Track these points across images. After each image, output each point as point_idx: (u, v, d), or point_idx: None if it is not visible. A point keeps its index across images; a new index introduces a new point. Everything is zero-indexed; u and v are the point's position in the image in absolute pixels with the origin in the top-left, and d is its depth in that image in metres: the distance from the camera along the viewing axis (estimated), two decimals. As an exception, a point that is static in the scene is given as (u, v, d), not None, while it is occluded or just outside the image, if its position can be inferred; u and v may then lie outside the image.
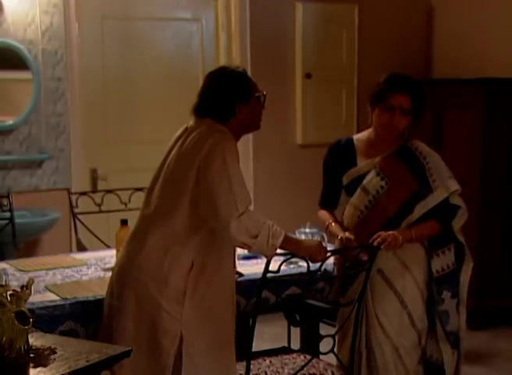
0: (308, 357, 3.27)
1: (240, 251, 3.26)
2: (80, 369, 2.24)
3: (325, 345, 3.12)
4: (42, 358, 2.30)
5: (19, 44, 4.88)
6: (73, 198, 4.49)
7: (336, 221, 3.40)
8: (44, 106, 5.02)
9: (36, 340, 2.42)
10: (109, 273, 3.15)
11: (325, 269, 3.15)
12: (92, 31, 5.22)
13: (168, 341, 2.88)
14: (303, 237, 3.63)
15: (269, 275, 2.86)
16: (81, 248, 4.46)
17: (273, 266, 2.85)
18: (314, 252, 2.98)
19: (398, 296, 3.26)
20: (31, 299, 2.59)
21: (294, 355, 3.39)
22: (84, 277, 3.41)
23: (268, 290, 3.12)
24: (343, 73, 5.96)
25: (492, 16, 5.82)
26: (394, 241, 3.16)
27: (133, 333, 2.89)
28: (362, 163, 3.35)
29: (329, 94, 5.91)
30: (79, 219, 4.48)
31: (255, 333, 2.93)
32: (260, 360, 3.29)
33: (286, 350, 3.48)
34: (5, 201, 4.52)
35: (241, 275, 3.33)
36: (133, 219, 3.15)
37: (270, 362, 3.29)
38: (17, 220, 4.49)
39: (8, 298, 2.34)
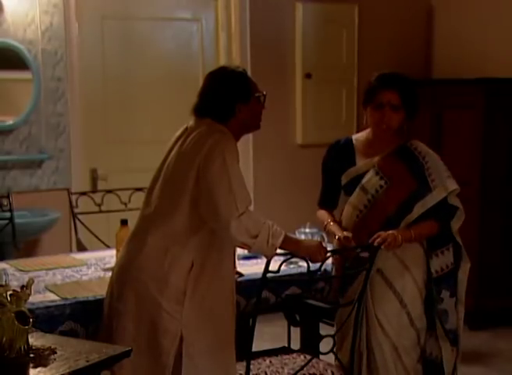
0: (308, 357, 3.27)
1: (240, 251, 3.26)
2: (80, 369, 2.24)
3: (325, 345, 3.12)
4: (42, 358, 2.30)
5: (19, 44, 4.88)
6: (73, 198, 4.49)
7: (334, 221, 3.40)
8: (44, 106, 5.02)
9: (36, 340, 2.42)
10: (109, 273, 3.15)
11: (324, 269, 3.15)
12: (92, 31, 5.21)
13: (168, 341, 2.88)
14: (303, 237, 3.63)
15: (269, 275, 2.86)
16: (81, 248, 4.46)
17: (273, 266, 2.84)
18: (314, 252, 2.98)
19: (397, 296, 3.27)
20: (31, 299, 2.59)
21: (294, 355, 3.39)
22: (84, 277, 3.41)
23: (268, 290, 3.12)
24: (343, 73, 5.96)
25: (492, 16, 5.82)
26: (394, 240, 3.16)
27: (133, 333, 2.89)
28: (361, 163, 3.36)
29: (329, 94, 5.91)
30: (79, 219, 4.48)
31: (255, 333, 2.93)
32: (260, 360, 3.29)
33: (286, 350, 3.48)
34: (5, 201, 4.52)
35: (241, 275, 3.33)
36: (133, 219, 3.15)
37: (270, 362, 3.29)
38: (17, 220, 4.48)
39: (8, 298, 2.33)
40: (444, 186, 3.26)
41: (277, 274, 2.86)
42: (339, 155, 3.42)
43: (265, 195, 5.68)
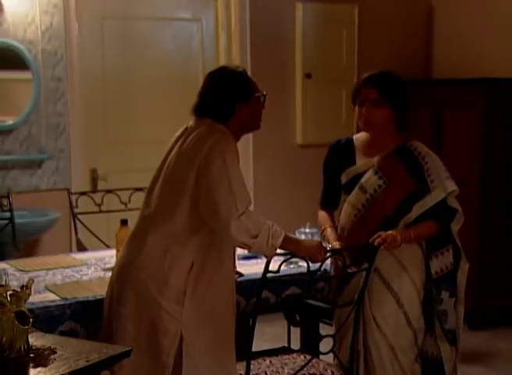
0: (308, 357, 3.27)
1: (240, 251, 3.26)
2: (80, 369, 2.24)
3: (325, 345, 3.12)
4: (42, 358, 2.30)
5: (19, 44, 4.88)
6: (73, 198, 4.49)
7: (332, 226, 3.41)
8: (44, 106, 5.02)
9: (36, 340, 2.42)
10: (109, 273, 3.15)
11: (324, 269, 3.15)
12: (92, 31, 5.22)
13: (168, 341, 2.88)
14: (303, 237, 3.63)
15: (269, 275, 2.86)
16: (81, 248, 4.46)
17: (273, 266, 2.84)
18: (314, 252, 2.98)
19: (394, 296, 3.26)
20: (31, 299, 2.59)
21: (294, 355, 3.39)
22: (84, 277, 3.41)
23: (268, 290, 3.11)
24: (343, 73, 5.96)
25: (492, 17, 5.82)
26: (393, 241, 3.16)
27: (133, 333, 2.89)
28: (361, 162, 3.36)
29: (329, 94, 5.91)
30: (79, 219, 4.48)
31: (255, 333, 2.93)
32: (260, 360, 3.29)
33: (286, 350, 3.48)
34: (5, 201, 4.52)
35: (241, 275, 3.33)
36: (133, 219, 3.15)
37: (270, 362, 3.29)
38: (17, 220, 4.49)
39: (8, 298, 2.33)
40: (443, 187, 3.26)
41: (277, 274, 2.86)
42: (339, 155, 3.43)
43: (265, 195, 5.68)
